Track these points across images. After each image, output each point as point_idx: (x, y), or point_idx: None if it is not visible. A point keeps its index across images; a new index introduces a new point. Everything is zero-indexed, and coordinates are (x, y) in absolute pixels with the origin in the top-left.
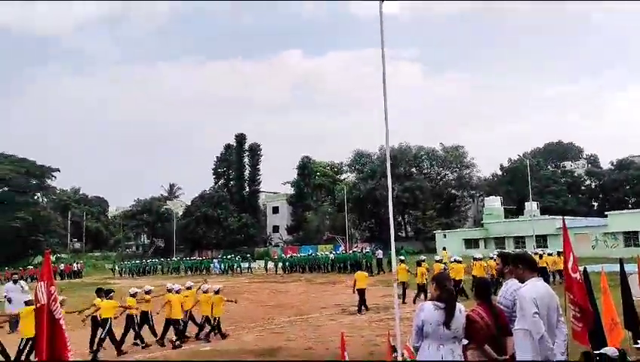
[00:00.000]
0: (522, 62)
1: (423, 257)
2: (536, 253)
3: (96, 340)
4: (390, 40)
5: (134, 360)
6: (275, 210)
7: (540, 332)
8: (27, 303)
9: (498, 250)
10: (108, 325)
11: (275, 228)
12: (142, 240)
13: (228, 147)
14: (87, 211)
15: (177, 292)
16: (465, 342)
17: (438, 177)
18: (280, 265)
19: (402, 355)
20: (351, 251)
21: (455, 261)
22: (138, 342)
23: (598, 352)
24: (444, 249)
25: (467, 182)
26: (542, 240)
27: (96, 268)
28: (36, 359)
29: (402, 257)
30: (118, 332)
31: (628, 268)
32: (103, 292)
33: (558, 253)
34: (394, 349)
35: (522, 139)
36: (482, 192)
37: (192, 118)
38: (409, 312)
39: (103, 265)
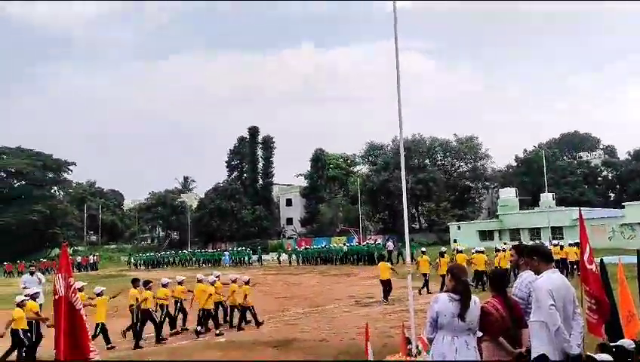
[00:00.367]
0: (537, 51)
1: (444, 249)
2: (556, 245)
3: (129, 329)
4: (403, 31)
5: None
6: (289, 202)
7: (557, 324)
8: (32, 297)
9: (513, 242)
10: (148, 315)
11: (289, 221)
12: (157, 232)
13: (241, 140)
14: (102, 204)
15: (212, 283)
16: (479, 334)
17: (452, 168)
18: (294, 257)
19: (417, 347)
20: (364, 243)
21: (477, 252)
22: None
23: (614, 344)
24: (455, 241)
25: (481, 173)
26: (558, 231)
27: (112, 260)
28: (54, 350)
29: (424, 249)
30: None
31: None
32: (141, 283)
33: (576, 245)
34: (408, 341)
35: (538, 130)
36: (497, 183)
37: (205, 111)
38: (423, 304)
39: (119, 258)
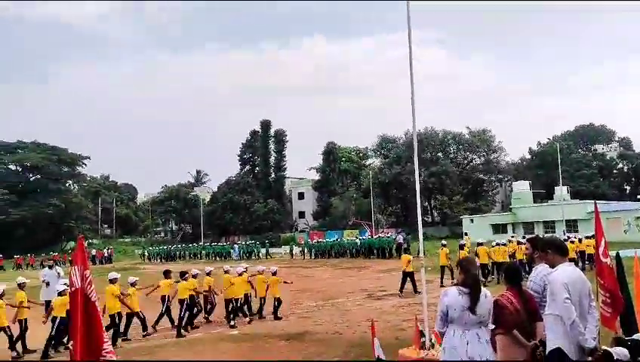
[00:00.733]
0: (551, 43)
1: (463, 241)
2: (571, 239)
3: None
4: (416, 22)
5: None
6: (301, 195)
7: (572, 318)
8: (60, 293)
9: (527, 235)
10: (186, 305)
11: (301, 214)
12: (170, 226)
13: (253, 133)
14: (116, 198)
15: (240, 274)
16: (491, 326)
17: (465, 161)
18: (306, 250)
19: (430, 340)
20: (376, 237)
21: (497, 244)
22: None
23: (629, 338)
24: (466, 234)
25: (495, 166)
26: (572, 224)
27: (126, 253)
28: (70, 342)
29: (444, 242)
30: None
31: None
32: (177, 274)
33: (592, 237)
34: (422, 334)
35: (552, 122)
36: (510, 176)
37: (217, 104)
38: (436, 297)
39: (133, 251)
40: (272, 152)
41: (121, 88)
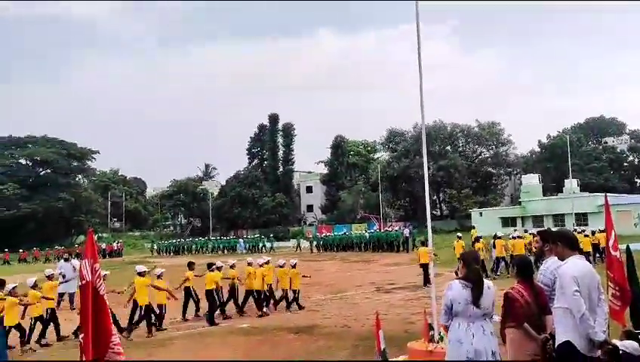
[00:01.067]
0: (561, 34)
1: (480, 234)
2: (586, 232)
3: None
4: (425, 15)
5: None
6: (309, 189)
7: (581, 311)
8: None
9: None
10: (215, 295)
11: (309, 208)
12: (179, 220)
13: (262, 127)
14: (126, 192)
15: (261, 266)
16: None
17: (474, 155)
18: (314, 243)
19: (439, 333)
20: (384, 230)
21: (515, 237)
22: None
23: (639, 331)
24: (474, 227)
25: (504, 159)
26: (582, 218)
27: (136, 247)
28: (81, 335)
29: (460, 234)
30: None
31: None
32: (210, 266)
33: (593, 232)
34: (430, 327)
35: (562, 115)
36: (519, 170)
37: (225, 99)
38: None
39: (142, 244)
40: (280, 146)
41: (129, 84)
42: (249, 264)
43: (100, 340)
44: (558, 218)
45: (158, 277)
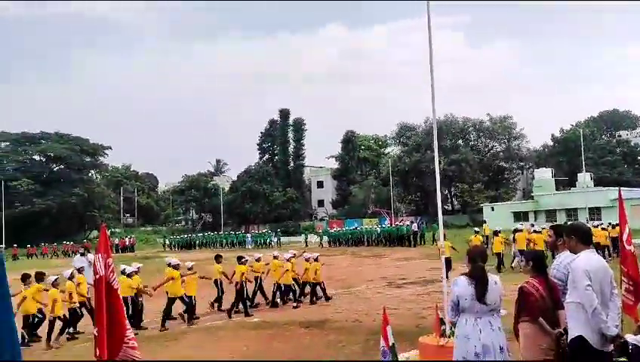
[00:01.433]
0: (574, 26)
1: (499, 228)
2: (603, 226)
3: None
4: (435, 8)
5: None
6: (320, 184)
7: (593, 305)
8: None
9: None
10: (242, 288)
11: (320, 203)
12: (191, 215)
13: (272, 122)
14: (138, 187)
15: (288, 260)
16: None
17: (486, 149)
18: (325, 238)
19: (450, 328)
20: (394, 225)
21: (535, 231)
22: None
23: None
24: (485, 222)
25: (516, 153)
26: (595, 212)
27: (148, 242)
28: (96, 328)
29: (477, 229)
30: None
31: None
32: (237, 259)
33: (613, 226)
34: (442, 322)
35: (575, 109)
36: (532, 164)
37: (236, 93)
38: None
39: (154, 239)
40: (291, 141)
41: (140, 78)
42: (275, 257)
43: (115, 334)
44: (571, 212)
45: (189, 269)
